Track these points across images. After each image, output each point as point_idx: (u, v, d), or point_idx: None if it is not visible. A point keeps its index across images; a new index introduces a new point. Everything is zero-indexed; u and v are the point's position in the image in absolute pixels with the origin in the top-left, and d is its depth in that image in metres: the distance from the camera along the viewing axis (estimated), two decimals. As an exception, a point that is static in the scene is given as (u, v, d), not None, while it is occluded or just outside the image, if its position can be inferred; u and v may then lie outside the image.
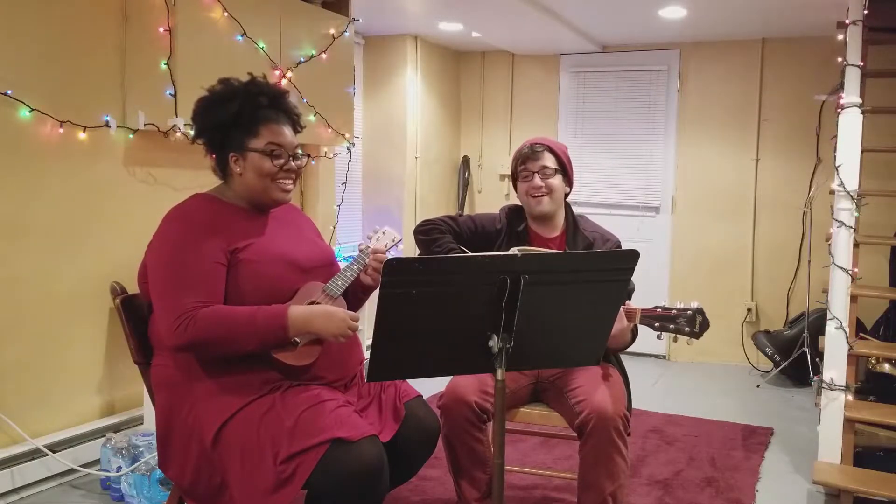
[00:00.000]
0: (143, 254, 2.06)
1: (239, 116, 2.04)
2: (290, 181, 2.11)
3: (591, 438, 2.31)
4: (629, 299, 2.56)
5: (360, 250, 2.19)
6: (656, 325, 2.32)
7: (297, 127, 2.16)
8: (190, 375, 1.97)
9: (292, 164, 2.09)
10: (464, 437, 2.40)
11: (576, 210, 2.74)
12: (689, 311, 2.29)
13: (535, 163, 2.58)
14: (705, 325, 2.29)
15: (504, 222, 2.65)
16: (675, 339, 2.33)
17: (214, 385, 1.94)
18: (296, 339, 1.96)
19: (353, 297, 2.21)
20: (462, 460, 2.45)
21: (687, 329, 2.29)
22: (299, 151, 2.12)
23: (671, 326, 2.30)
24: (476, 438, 2.40)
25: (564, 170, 2.62)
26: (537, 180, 2.57)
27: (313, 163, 4.52)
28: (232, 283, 1.96)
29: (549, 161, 2.58)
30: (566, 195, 2.66)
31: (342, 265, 2.19)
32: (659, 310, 2.32)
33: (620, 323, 2.31)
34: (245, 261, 1.98)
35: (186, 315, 1.86)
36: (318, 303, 2.04)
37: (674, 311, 2.30)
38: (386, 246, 2.21)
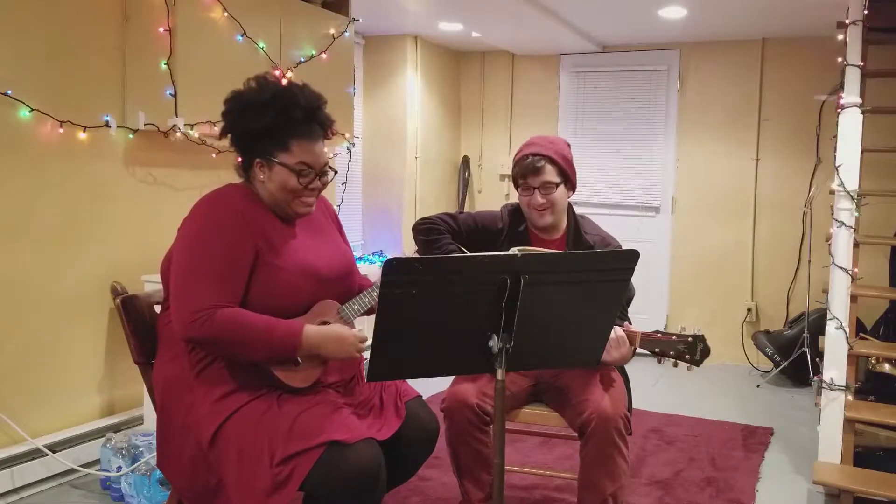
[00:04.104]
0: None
1: (271, 128, 1.98)
2: (313, 196, 2.06)
3: (592, 439, 2.30)
4: (628, 306, 2.54)
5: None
6: (656, 350, 2.25)
7: (327, 137, 2.10)
8: (189, 375, 1.96)
9: (318, 182, 2.04)
10: (467, 440, 2.40)
11: (576, 210, 2.67)
12: (689, 339, 2.22)
13: (535, 178, 2.47)
14: (706, 352, 2.22)
15: (506, 221, 2.60)
16: (676, 365, 2.28)
17: (213, 385, 1.94)
18: (300, 360, 1.94)
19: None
20: (466, 462, 2.44)
21: (687, 356, 2.23)
22: (328, 167, 2.07)
23: (671, 353, 2.24)
24: (479, 440, 2.40)
25: (567, 177, 2.52)
26: (538, 198, 2.48)
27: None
28: (251, 283, 1.94)
29: (551, 175, 2.48)
30: (569, 197, 2.58)
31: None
32: (659, 335, 2.26)
33: (621, 349, 2.28)
34: (268, 265, 1.96)
35: (206, 312, 1.85)
36: (329, 324, 2.04)
37: (674, 337, 2.24)
38: None
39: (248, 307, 1.93)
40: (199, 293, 1.87)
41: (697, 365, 2.24)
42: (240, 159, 2.07)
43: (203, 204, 2.01)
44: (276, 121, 1.98)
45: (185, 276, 1.91)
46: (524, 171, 2.50)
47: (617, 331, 2.27)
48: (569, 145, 2.59)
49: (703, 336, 2.24)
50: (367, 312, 2.17)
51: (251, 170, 2.04)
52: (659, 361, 2.26)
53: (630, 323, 2.46)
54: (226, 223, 1.94)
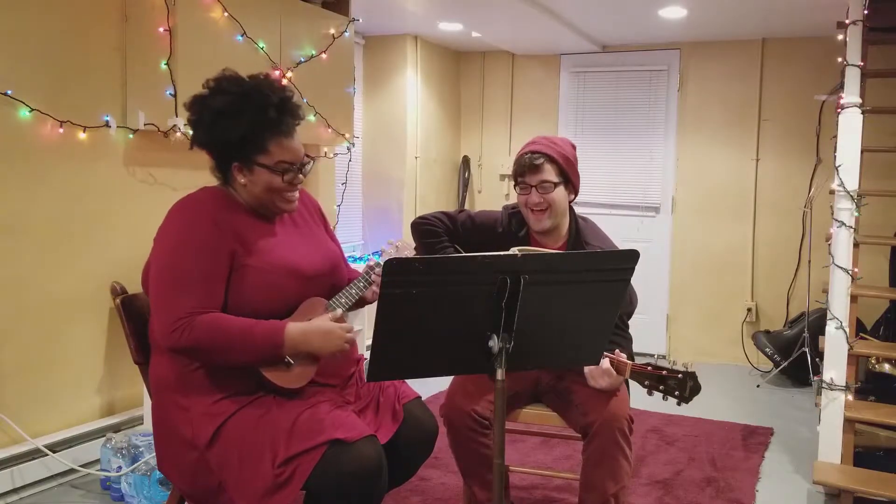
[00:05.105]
0: (149, 252, 2.03)
1: (247, 135, 1.95)
2: (296, 191, 2.05)
3: (595, 439, 2.30)
4: (629, 318, 2.51)
5: (369, 266, 2.14)
6: (646, 383, 2.24)
7: (298, 122, 2.06)
8: (187, 377, 1.95)
9: (300, 175, 2.03)
10: (469, 445, 2.39)
11: (577, 210, 2.61)
12: (679, 375, 2.19)
13: (533, 176, 2.41)
14: (696, 390, 2.19)
15: (506, 225, 2.55)
16: (665, 399, 2.26)
17: (211, 387, 1.93)
18: (289, 360, 1.93)
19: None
20: (471, 465, 2.43)
21: (676, 392, 2.20)
22: (306, 158, 2.05)
23: (661, 387, 2.22)
24: (481, 444, 2.38)
25: (567, 178, 2.46)
26: (535, 196, 2.42)
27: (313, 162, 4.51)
28: (232, 287, 1.94)
29: (550, 174, 2.42)
30: (571, 200, 2.53)
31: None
32: (650, 368, 2.24)
33: (609, 379, 2.27)
34: (247, 266, 1.95)
35: (184, 320, 1.84)
36: None
37: (665, 372, 2.21)
38: None
39: (233, 312, 1.91)
40: (177, 303, 1.86)
41: (686, 402, 2.21)
42: (213, 162, 2.04)
43: (174, 212, 1.99)
44: (252, 125, 1.94)
45: (161, 287, 1.91)
46: (522, 168, 2.45)
47: (604, 363, 2.26)
48: (574, 147, 2.53)
49: (694, 374, 2.20)
50: (358, 304, 2.14)
51: (229, 173, 2.01)
52: (649, 394, 2.24)
53: (631, 337, 2.46)
54: (197, 230, 1.93)
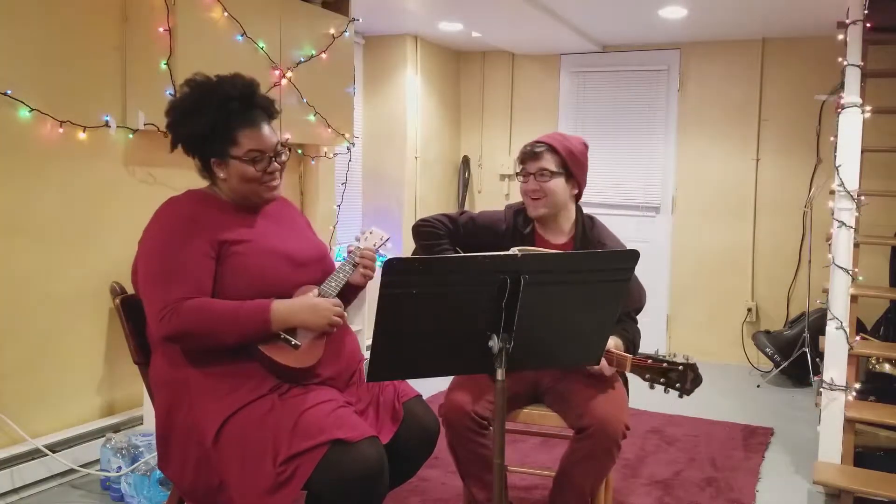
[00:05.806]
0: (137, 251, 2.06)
1: (214, 128, 2.02)
2: (276, 179, 2.10)
3: (587, 441, 2.31)
4: (638, 314, 2.52)
5: (350, 251, 2.19)
6: (647, 376, 2.24)
7: (272, 116, 2.13)
8: (188, 375, 1.96)
9: (275, 163, 2.08)
10: (468, 445, 2.39)
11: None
12: (680, 367, 2.19)
13: (533, 164, 2.46)
14: (697, 381, 2.19)
15: (510, 223, 2.56)
16: (667, 391, 2.26)
17: (213, 385, 1.94)
18: (296, 342, 1.96)
19: (343, 297, 2.19)
20: (469, 466, 2.43)
21: (678, 385, 2.20)
22: (280, 147, 2.10)
23: (661, 380, 2.22)
24: (480, 444, 2.38)
25: (569, 171, 2.48)
26: (532, 183, 2.46)
27: (312, 162, 4.52)
28: (225, 277, 1.97)
29: (549, 163, 2.45)
30: (577, 197, 2.55)
31: (337, 263, 2.19)
32: (650, 361, 2.24)
33: (609, 367, 2.31)
34: (235, 254, 1.99)
35: (171, 306, 1.88)
36: None
37: (665, 364, 2.21)
38: (374, 245, 2.22)
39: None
40: (163, 293, 1.90)
41: (688, 394, 2.21)
42: (198, 163, 2.10)
43: (155, 215, 2.06)
44: (216, 119, 2.01)
45: (148, 284, 1.95)
46: (523, 156, 2.51)
47: (603, 364, 2.30)
48: (585, 146, 2.54)
49: (694, 365, 2.20)
50: (351, 291, 2.18)
51: (211, 170, 2.07)
52: (651, 387, 2.24)
53: (639, 331, 2.47)
54: (175, 225, 1.99)
